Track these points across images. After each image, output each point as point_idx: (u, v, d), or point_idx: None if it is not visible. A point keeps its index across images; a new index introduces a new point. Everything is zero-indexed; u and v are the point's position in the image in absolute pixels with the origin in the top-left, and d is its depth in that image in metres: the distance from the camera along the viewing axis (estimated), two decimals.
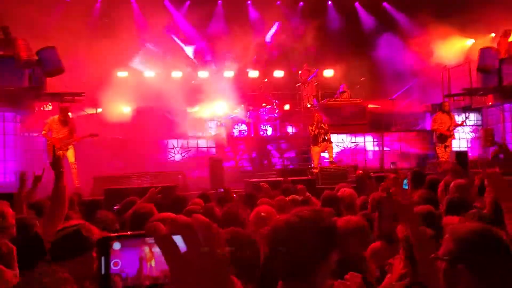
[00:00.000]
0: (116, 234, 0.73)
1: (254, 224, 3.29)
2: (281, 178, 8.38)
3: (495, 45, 13.16)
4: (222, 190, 6.35)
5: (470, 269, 1.55)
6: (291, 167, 13.33)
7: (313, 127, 11.49)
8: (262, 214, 3.36)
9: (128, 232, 0.75)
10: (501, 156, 5.85)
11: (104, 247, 0.71)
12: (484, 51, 12.88)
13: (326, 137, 11.44)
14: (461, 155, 9.34)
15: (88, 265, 2.25)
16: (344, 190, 4.56)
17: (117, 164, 11.37)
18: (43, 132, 9.88)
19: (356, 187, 6.31)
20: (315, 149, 11.52)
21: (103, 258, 0.71)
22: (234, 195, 6.41)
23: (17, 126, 11.93)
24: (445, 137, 10.85)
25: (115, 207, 4.74)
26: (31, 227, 3.20)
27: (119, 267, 0.71)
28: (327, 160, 11.81)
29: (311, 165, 11.81)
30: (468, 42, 15.30)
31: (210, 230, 0.67)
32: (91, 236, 2.35)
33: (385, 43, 16.13)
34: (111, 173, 10.20)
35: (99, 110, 13.62)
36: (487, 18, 13.31)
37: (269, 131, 14.50)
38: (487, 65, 12.59)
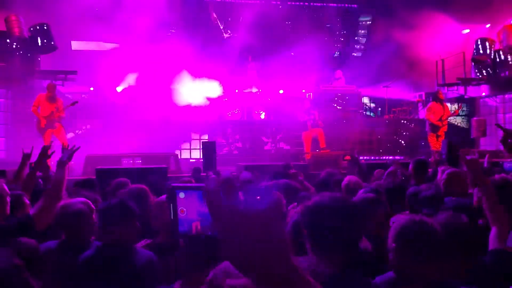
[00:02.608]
0: (182, 184, 0.79)
1: None
2: (273, 163, 8.41)
3: (491, 36, 13.17)
4: (212, 174, 6.35)
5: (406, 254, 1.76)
6: (283, 152, 13.35)
7: (305, 113, 11.56)
8: None
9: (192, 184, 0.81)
10: (510, 141, 5.82)
11: (172, 195, 0.76)
12: (480, 42, 12.91)
13: (316, 122, 11.49)
14: (452, 145, 9.37)
15: (133, 230, 2.58)
16: (350, 178, 4.38)
17: (109, 143, 11.32)
18: (33, 107, 9.67)
19: (347, 173, 6.33)
20: (306, 135, 11.58)
21: (171, 205, 0.76)
22: None
23: (8, 102, 11.82)
24: (437, 127, 10.90)
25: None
26: (25, 207, 3.20)
27: (185, 214, 0.74)
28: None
29: (303, 151, 11.85)
30: (464, 31, 15.27)
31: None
32: (132, 206, 2.64)
33: (380, 30, 16.07)
34: (103, 153, 10.16)
35: (91, 89, 13.54)
36: (483, 8, 13.28)
37: (262, 115, 14.49)
38: (482, 56, 12.63)
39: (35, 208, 2.88)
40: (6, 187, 2.93)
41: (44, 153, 4.00)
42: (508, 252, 2.06)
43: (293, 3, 17.39)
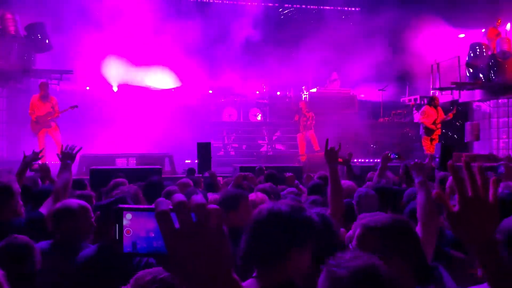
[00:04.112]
0: (129, 206, 0.83)
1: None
2: (269, 165, 8.43)
3: (485, 40, 13.24)
4: (207, 174, 6.36)
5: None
6: (279, 153, 13.39)
7: (299, 114, 11.69)
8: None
9: (140, 206, 0.85)
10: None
11: (119, 216, 0.80)
12: (474, 46, 12.98)
13: (308, 125, 11.58)
14: (446, 148, 9.42)
15: None
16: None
17: (104, 142, 11.29)
18: (30, 111, 9.65)
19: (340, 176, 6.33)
20: (300, 136, 11.69)
21: (117, 226, 0.80)
22: (221, 180, 6.45)
23: (3, 101, 11.78)
24: (432, 130, 10.96)
25: None
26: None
27: (130, 234, 0.80)
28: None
29: (299, 152, 11.90)
30: (460, 36, 15.35)
31: (203, 209, 0.72)
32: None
33: (376, 33, 16.13)
34: (97, 152, 10.15)
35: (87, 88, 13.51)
36: (479, 13, 13.36)
37: (259, 116, 14.51)
38: (476, 60, 12.70)
39: (45, 208, 2.94)
40: (17, 185, 2.97)
41: (34, 158, 4.06)
42: None
43: (291, 5, 17.44)
